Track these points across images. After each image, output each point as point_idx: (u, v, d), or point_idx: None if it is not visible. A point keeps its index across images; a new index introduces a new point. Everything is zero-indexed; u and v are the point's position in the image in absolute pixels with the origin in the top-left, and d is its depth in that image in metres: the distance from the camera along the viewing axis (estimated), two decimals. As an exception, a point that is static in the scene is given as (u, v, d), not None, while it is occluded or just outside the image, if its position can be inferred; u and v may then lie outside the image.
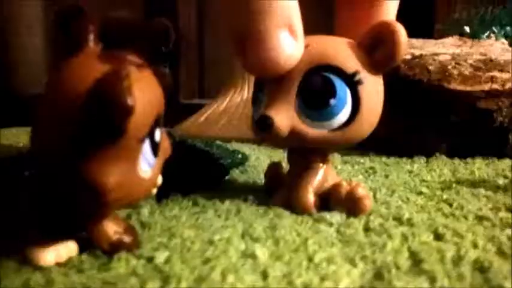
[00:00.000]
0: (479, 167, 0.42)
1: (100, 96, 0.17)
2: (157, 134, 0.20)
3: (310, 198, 0.28)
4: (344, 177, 0.38)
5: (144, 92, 0.19)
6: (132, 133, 0.18)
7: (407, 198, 0.31)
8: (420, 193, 0.33)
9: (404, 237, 0.23)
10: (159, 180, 0.22)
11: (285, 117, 0.26)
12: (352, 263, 0.20)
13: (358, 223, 0.26)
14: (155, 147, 0.20)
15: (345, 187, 0.28)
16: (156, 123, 0.20)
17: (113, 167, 0.18)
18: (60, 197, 0.20)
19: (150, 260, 0.21)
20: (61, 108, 0.18)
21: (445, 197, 0.32)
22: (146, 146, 0.19)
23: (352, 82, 0.26)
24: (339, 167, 0.43)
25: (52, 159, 0.19)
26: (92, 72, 0.18)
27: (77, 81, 0.18)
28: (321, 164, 0.29)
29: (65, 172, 0.18)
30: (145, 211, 0.28)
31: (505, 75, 0.45)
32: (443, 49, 0.49)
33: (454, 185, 0.35)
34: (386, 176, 0.39)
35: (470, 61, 0.47)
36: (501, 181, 0.36)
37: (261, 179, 0.38)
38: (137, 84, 0.18)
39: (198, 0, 1.07)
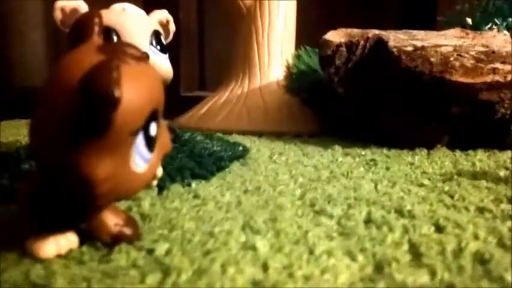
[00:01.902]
0: (481, 158, 0.42)
1: (87, 87, 0.17)
2: (153, 128, 0.19)
3: None
4: (345, 169, 0.38)
5: (139, 85, 0.18)
6: (122, 126, 0.17)
7: (409, 190, 0.31)
8: (421, 185, 0.33)
9: (405, 230, 0.23)
10: (160, 172, 0.22)
11: None
12: (352, 256, 0.20)
13: (359, 215, 0.25)
14: (150, 142, 0.19)
15: None
16: (152, 117, 0.19)
17: (103, 159, 0.18)
18: (58, 189, 0.20)
19: (151, 252, 0.21)
20: (55, 100, 0.18)
21: (446, 188, 0.32)
22: (139, 140, 0.19)
23: None
24: (340, 159, 0.43)
25: (48, 151, 0.19)
26: (86, 63, 0.18)
27: (71, 71, 0.18)
28: None
29: (59, 164, 0.18)
30: (146, 203, 0.28)
31: (507, 67, 0.45)
32: (445, 41, 0.49)
33: (455, 177, 0.35)
34: (388, 168, 0.39)
35: (472, 53, 0.46)
36: (502, 173, 0.36)
37: (261, 171, 0.38)
38: (131, 77, 0.18)
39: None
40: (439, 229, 0.23)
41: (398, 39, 0.49)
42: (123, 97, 0.17)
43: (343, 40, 0.52)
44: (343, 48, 0.52)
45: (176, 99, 0.80)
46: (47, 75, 0.19)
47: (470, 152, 0.46)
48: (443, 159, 0.42)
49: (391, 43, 0.48)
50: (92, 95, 0.16)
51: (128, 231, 0.22)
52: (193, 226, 0.24)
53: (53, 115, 0.18)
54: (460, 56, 0.46)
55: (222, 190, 0.31)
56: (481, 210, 0.27)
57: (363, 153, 0.46)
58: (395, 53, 0.47)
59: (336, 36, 0.53)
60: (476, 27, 0.61)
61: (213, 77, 1.05)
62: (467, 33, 0.53)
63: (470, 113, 0.46)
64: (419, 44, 0.48)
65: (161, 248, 0.21)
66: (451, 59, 0.45)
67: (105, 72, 0.17)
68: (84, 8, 0.33)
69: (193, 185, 0.33)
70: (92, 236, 0.21)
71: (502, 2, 0.63)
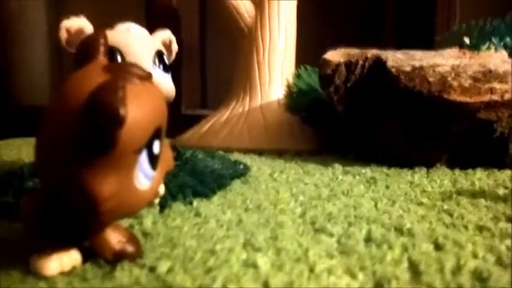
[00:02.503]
0: (480, 177, 0.43)
1: (93, 106, 0.17)
2: (156, 146, 0.20)
3: None
4: (345, 188, 0.38)
5: (143, 104, 0.18)
6: (127, 144, 0.18)
7: (408, 209, 0.31)
8: (421, 203, 0.33)
9: (405, 248, 0.23)
10: (162, 190, 0.22)
11: None
12: (352, 274, 0.20)
13: (359, 233, 0.26)
14: (154, 160, 0.20)
15: None
16: (156, 135, 0.19)
17: (107, 177, 0.18)
18: (62, 206, 0.20)
19: (153, 269, 0.21)
20: (62, 118, 0.18)
21: (445, 207, 0.32)
22: (143, 158, 0.19)
23: None
24: (340, 177, 0.43)
25: (53, 169, 0.19)
26: (92, 83, 0.18)
27: (77, 91, 0.18)
28: None
29: (64, 181, 0.19)
30: (148, 221, 0.28)
31: (505, 86, 0.46)
32: (443, 61, 0.50)
33: (454, 196, 0.35)
34: (387, 187, 0.39)
35: (469, 72, 0.47)
36: (501, 191, 0.36)
37: (262, 189, 0.38)
38: (136, 96, 0.18)
39: (201, 10, 1.09)
40: (438, 247, 0.23)
41: (396, 59, 0.50)
42: (128, 116, 0.17)
43: (342, 60, 0.53)
44: (343, 68, 0.53)
45: (178, 118, 0.80)
46: (52, 94, 0.20)
47: (470, 170, 0.46)
48: (443, 178, 0.43)
49: (389, 63, 0.49)
50: (97, 114, 0.17)
51: (130, 248, 0.22)
52: (195, 244, 0.24)
53: (59, 133, 0.19)
54: (458, 75, 0.47)
55: (223, 208, 0.32)
56: (480, 228, 0.27)
57: (363, 171, 0.46)
58: (394, 73, 0.48)
59: (335, 55, 0.54)
60: (474, 47, 0.62)
61: (214, 95, 1.06)
62: (464, 53, 0.54)
63: (468, 131, 0.46)
64: (417, 63, 0.48)
65: (163, 266, 0.21)
66: (449, 78, 0.46)
67: (110, 91, 0.17)
68: (89, 28, 0.34)
69: (195, 203, 0.33)
70: (94, 254, 0.22)
71: (499, 21, 0.64)
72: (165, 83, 0.35)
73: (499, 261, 0.21)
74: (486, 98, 0.45)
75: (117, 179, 0.18)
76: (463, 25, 0.65)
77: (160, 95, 0.20)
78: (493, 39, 0.63)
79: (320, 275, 0.20)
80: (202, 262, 0.21)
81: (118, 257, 0.21)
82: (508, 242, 0.24)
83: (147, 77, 0.20)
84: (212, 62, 1.11)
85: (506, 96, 0.45)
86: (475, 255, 0.22)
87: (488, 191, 0.37)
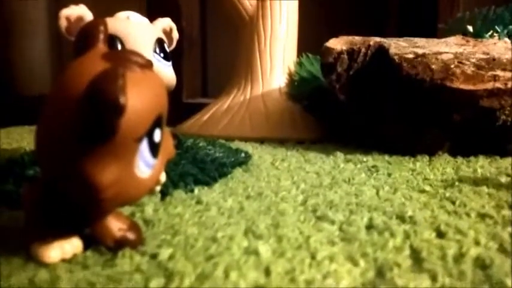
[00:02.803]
0: (482, 165, 0.42)
1: (92, 94, 0.17)
2: (157, 135, 0.20)
3: None
4: (347, 176, 0.38)
5: (143, 92, 0.18)
6: (127, 132, 0.18)
7: (410, 196, 0.31)
8: (423, 191, 0.33)
9: (407, 235, 0.23)
10: (163, 178, 0.22)
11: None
12: (354, 261, 0.20)
13: (360, 221, 0.26)
14: (154, 148, 0.20)
15: None
16: (156, 124, 0.19)
17: (108, 165, 0.18)
18: (63, 194, 0.20)
19: (154, 256, 0.21)
20: (62, 107, 0.18)
21: (447, 194, 0.32)
22: (144, 146, 0.19)
23: None
24: (342, 165, 0.43)
25: (53, 157, 0.19)
26: (92, 71, 0.18)
27: (77, 79, 0.18)
28: None
29: (65, 170, 0.19)
30: (149, 209, 0.28)
31: (508, 74, 0.45)
32: (446, 48, 0.49)
33: (456, 183, 0.35)
34: (389, 175, 0.39)
35: (473, 60, 0.47)
36: (504, 179, 0.36)
37: (263, 177, 0.38)
38: (136, 84, 0.18)
39: (201, -1, 1.08)
40: (440, 234, 0.23)
41: (399, 46, 0.49)
42: (128, 104, 0.17)
43: (344, 47, 0.53)
44: (345, 56, 0.52)
45: (179, 106, 0.80)
46: (52, 82, 0.20)
47: (472, 158, 0.46)
48: (445, 165, 0.43)
49: (392, 50, 0.48)
50: (97, 102, 0.17)
51: (131, 236, 0.22)
52: (196, 231, 0.24)
53: (59, 122, 0.18)
54: (461, 63, 0.46)
55: (225, 196, 0.32)
56: (482, 216, 0.27)
57: (365, 159, 0.46)
58: (397, 60, 0.47)
59: (337, 43, 0.54)
60: (477, 34, 0.61)
61: (215, 84, 1.06)
62: (468, 41, 0.53)
63: (471, 119, 0.46)
64: (420, 51, 0.48)
65: (164, 253, 0.21)
66: (452, 66, 0.46)
67: (110, 79, 0.17)
68: (89, 16, 0.34)
69: (196, 190, 0.33)
70: (96, 241, 0.22)
71: (503, 9, 0.63)
72: (165, 71, 0.35)
73: (501, 249, 0.21)
74: (489, 85, 0.45)
75: (117, 167, 0.18)
76: (466, 13, 0.65)
77: (160, 83, 0.20)
78: (497, 27, 0.62)
79: (321, 262, 0.20)
80: (204, 249, 0.21)
81: (119, 245, 0.21)
82: (510, 229, 0.24)
83: (148, 65, 0.19)
84: (213, 50, 1.10)
85: (510, 84, 0.45)
86: (477, 243, 0.22)
87: (490, 178, 0.37)
